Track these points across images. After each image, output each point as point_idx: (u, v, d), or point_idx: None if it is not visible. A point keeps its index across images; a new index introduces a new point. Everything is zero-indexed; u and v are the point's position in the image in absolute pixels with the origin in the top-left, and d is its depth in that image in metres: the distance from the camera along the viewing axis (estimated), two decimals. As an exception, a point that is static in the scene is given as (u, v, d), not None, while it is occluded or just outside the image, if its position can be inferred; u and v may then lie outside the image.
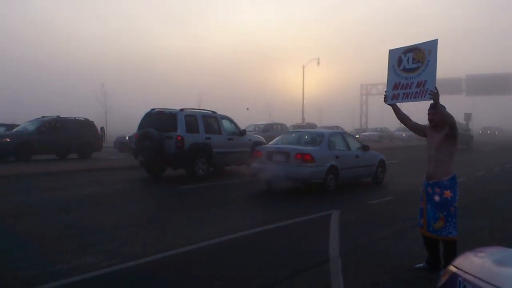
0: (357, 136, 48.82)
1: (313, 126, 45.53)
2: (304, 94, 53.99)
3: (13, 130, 21.67)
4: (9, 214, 8.54)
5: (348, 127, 62.56)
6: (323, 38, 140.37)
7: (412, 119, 5.51)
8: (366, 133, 52.44)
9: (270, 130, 34.23)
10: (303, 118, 54.13)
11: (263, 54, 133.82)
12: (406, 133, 53.85)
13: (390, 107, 5.45)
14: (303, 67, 52.85)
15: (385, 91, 5.37)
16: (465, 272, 2.08)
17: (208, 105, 66.57)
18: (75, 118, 22.94)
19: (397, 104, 5.38)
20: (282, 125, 36.93)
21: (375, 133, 51.61)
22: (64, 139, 21.32)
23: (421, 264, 5.19)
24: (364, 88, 76.69)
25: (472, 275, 2.01)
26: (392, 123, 67.12)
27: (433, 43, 4.96)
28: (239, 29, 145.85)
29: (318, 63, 50.91)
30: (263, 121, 41.52)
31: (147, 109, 14.37)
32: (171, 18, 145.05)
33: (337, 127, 42.36)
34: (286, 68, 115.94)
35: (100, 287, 4.69)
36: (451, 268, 2.23)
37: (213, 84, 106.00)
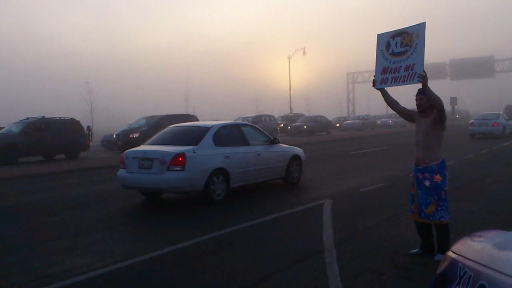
0: (337, 125, 49.00)
1: (301, 116, 45.62)
2: (291, 85, 54.08)
3: (-2, 133, 21.38)
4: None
5: (336, 115, 62.81)
6: (308, 28, 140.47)
7: (400, 104, 5.50)
8: (348, 121, 51.92)
9: (258, 122, 34.23)
10: (291, 109, 54.21)
11: (249, 46, 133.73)
12: (392, 119, 54.15)
13: (377, 94, 5.43)
14: (289, 57, 52.83)
15: (374, 76, 5.35)
16: (464, 257, 2.05)
17: (195, 99, 66.51)
18: (60, 118, 22.70)
19: (386, 89, 5.36)
20: (270, 116, 36.98)
21: (357, 121, 50.63)
22: (50, 139, 21.10)
23: (416, 250, 5.20)
24: (350, 77, 77.12)
25: (473, 261, 1.98)
26: (379, 110, 67.63)
27: (421, 26, 4.94)
28: (224, 22, 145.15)
29: (304, 53, 50.95)
30: (251, 113, 41.54)
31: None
32: (154, 13, 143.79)
33: (321, 116, 42.39)
34: (272, 60, 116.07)
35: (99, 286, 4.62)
36: (450, 254, 2.20)
37: (199, 77, 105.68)
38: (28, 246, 6.29)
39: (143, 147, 9.34)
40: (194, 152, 8.39)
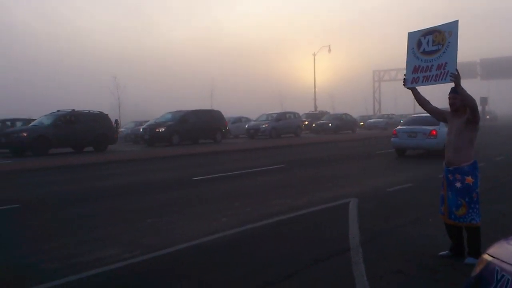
0: (361, 123, 48.34)
1: (326, 113, 45.35)
2: (316, 82, 53.83)
3: (30, 125, 21.95)
4: (28, 207, 8.64)
5: (361, 113, 62.17)
6: (334, 25, 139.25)
7: (431, 103, 5.40)
8: (372, 120, 51.09)
9: (283, 119, 34.22)
10: (316, 106, 53.93)
11: (273, 43, 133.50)
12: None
13: (404, 93, 5.37)
14: (314, 55, 52.53)
15: (404, 75, 5.28)
16: (501, 261, 2.00)
17: (220, 95, 66.78)
18: (89, 111, 23.13)
19: (417, 88, 5.28)
20: (295, 113, 36.88)
21: (382, 120, 49.79)
22: (80, 132, 21.53)
23: (445, 252, 5.10)
24: (377, 75, 76.17)
25: (510, 264, 1.93)
26: (406, 109, 66.67)
27: (454, 24, 4.84)
28: (249, 19, 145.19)
29: (329, 50, 50.58)
30: (275, 110, 41.49)
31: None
32: (180, 11, 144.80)
33: (346, 114, 42.02)
34: (297, 57, 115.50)
35: (122, 280, 4.69)
36: (486, 257, 2.15)
37: (224, 73, 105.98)
38: (58, 235, 6.46)
39: (406, 127, 16.71)
40: (439, 129, 14.88)
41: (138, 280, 4.64)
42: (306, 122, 40.58)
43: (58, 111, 22.67)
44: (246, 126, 34.58)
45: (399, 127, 17.55)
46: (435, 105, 5.43)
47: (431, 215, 6.83)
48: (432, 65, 4.96)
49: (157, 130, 25.72)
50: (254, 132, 33.13)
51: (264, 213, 7.51)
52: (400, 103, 76.10)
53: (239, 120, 37.72)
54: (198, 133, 27.31)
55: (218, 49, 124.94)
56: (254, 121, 35.66)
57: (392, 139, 16.83)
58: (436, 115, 5.37)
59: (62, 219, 7.55)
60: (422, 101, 5.35)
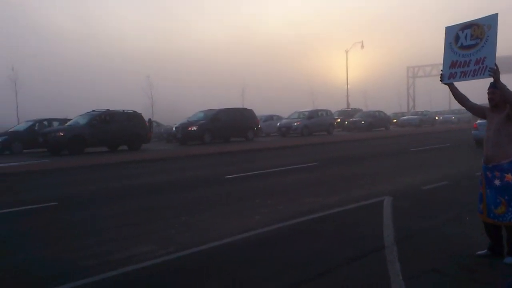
0: (394, 120, 47.41)
1: (358, 110, 44.81)
2: (348, 79, 53.21)
3: (66, 125, 22.49)
4: (64, 205, 8.87)
5: (395, 110, 61.16)
6: (367, 21, 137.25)
7: (470, 100, 5.25)
8: (406, 117, 49.66)
9: (315, 116, 34.03)
10: (348, 104, 53.37)
11: (305, 39, 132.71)
12: (456, 115, 51.90)
13: (439, 89, 5.26)
14: (347, 51, 51.96)
15: (441, 70, 5.16)
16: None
17: (251, 93, 66.89)
18: (123, 110, 23.50)
19: (455, 84, 5.15)
20: (327, 111, 36.62)
21: (415, 117, 48.25)
22: (114, 131, 21.94)
23: (483, 251, 4.96)
24: (411, 71, 74.68)
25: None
26: (441, 106, 65.20)
27: (493, 18, 4.69)
28: (279, 16, 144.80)
29: (362, 46, 49.90)
30: (307, 108, 41.29)
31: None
32: (210, 10, 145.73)
33: (379, 111, 41.40)
34: (329, 53, 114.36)
35: (156, 277, 4.76)
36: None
37: (255, 71, 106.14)
38: (94, 232, 6.60)
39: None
40: None
41: (171, 277, 4.70)
42: (339, 120, 40.18)
43: (93, 110, 23.13)
44: (278, 124, 34.50)
45: (479, 121, 18.43)
46: (474, 101, 5.29)
47: (468, 214, 6.66)
48: (470, 60, 4.83)
49: (189, 128, 25.97)
50: (285, 130, 33.05)
51: (296, 211, 7.48)
52: (435, 99, 74.47)
53: (270, 118, 37.66)
54: (230, 132, 27.45)
55: (249, 47, 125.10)
56: (286, 119, 35.56)
57: (473, 132, 18.61)
58: (475, 111, 5.22)
59: (97, 217, 7.72)
60: (460, 97, 5.21)
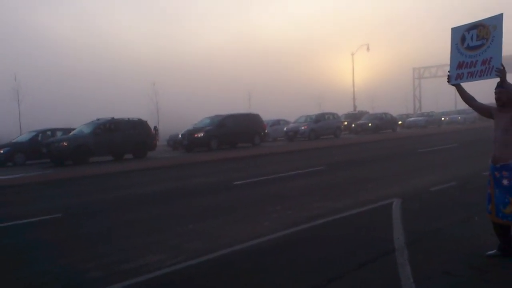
0: (400, 122, 47.29)
1: (365, 113, 44.74)
2: (355, 82, 53.13)
3: (70, 134, 22.40)
4: (69, 217, 8.90)
5: (401, 112, 60.98)
6: (372, 23, 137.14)
7: (477, 100, 5.24)
8: (412, 118, 49.66)
9: (321, 120, 33.99)
10: (355, 106, 53.29)
11: (310, 43, 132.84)
12: (462, 116, 51.64)
13: (445, 90, 5.28)
14: (353, 54, 51.95)
15: (448, 71, 5.18)
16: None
17: (257, 98, 67.03)
18: (128, 118, 23.45)
19: (462, 84, 5.16)
20: (334, 114, 36.59)
21: (421, 118, 48.37)
22: (119, 140, 21.83)
23: (493, 251, 4.94)
24: (417, 72, 74.39)
25: None
26: (447, 106, 64.92)
27: (498, 18, 4.71)
28: (284, 19, 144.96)
29: (368, 49, 49.89)
30: (314, 111, 41.27)
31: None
32: (214, 15, 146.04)
33: (386, 113, 41.30)
34: (335, 57, 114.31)
35: (168, 286, 4.76)
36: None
37: (261, 76, 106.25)
38: (103, 242, 6.62)
39: None
40: None
41: (183, 286, 4.70)
42: (346, 123, 40.13)
43: (97, 119, 23.02)
44: (285, 129, 34.49)
45: None
46: (481, 102, 5.28)
47: (477, 214, 6.63)
48: (477, 61, 4.85)
49: (195, 135, 25.99)
50: (293, 135, 33.04)
51: (306, 216, 7.47)
52: (442, 100, 74.17)
53: (277, 122, 37.66)
54: (237, 137, 27.45)
55: (254, 52, 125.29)
56: (293, 123, 35.57)
57: None
58: (483, 111, 5.21)
59: (104, 227, 7.73)
60: (467, 98, 5.21)
